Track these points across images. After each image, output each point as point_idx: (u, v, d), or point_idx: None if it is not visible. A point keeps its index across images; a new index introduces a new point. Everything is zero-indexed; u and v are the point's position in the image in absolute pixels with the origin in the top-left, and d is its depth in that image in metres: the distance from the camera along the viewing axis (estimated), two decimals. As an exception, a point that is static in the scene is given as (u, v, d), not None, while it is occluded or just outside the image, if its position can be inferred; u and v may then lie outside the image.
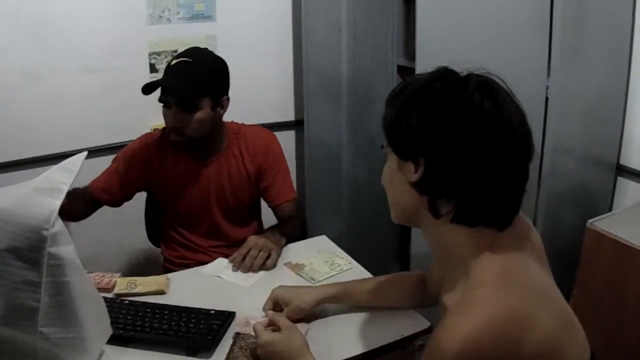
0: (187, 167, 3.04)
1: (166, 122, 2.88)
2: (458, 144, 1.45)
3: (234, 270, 2.69)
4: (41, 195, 1.58)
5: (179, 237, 3.15)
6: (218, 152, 3.05)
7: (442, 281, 1.73)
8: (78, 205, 2.94)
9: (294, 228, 3.02)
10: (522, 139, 1.50)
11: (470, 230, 1.54)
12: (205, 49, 3.03)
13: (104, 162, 3.73)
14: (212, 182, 3.07)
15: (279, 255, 2.78)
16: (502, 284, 1.45)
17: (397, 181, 1.61)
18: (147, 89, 2.76)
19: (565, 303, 1.58)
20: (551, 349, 1.43)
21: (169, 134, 2.90)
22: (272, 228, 2.96)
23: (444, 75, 1.55)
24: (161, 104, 2.83)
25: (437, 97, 1.49)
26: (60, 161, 1.69)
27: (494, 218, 1.54)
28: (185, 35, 3.99)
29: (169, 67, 2.82)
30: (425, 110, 1.49)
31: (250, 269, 2.68)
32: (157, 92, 3.65)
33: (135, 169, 3.01)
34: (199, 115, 2.84)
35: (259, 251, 2.70)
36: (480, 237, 1.54)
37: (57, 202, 1.58)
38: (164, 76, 2.82)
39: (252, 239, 2.76)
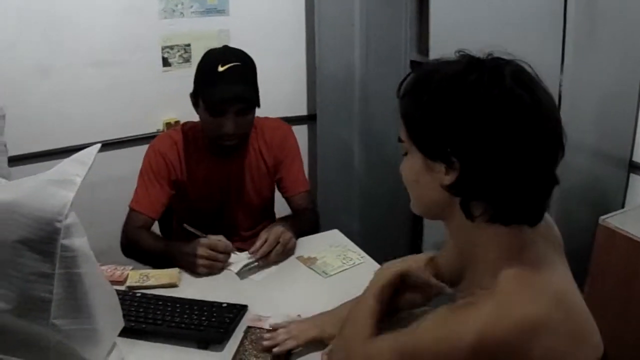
0: (209, 165, 3.01)
1: (216, 130, 2.82)
2: (496, 143, 1.37)
3: (246, 264, 2.67)
4: (54, 187, 1.58)
5: (192, 236, 3.10)
6: (240, 149, 3.00)
7: (459, 276, 1.70)
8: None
9: (308, 221, 3.03)
10: (557, 130, 1.44)
11: (502, 229, 1.48)
12: (231, 47, 2.98)
13: (116, 156, 3.76)
14: (233, 179, 3.05)
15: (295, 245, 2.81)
16: (527, 285, 1.42)
17: (424, 181, 1.52)
18: (219, 106, 2.75)
19: (583, 307, 1.54)
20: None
21: (219, 139, 2.86)
22: (286, 220, 2.95)
23: (473, 64, 1.46)
24: (192, 108, 2.84)
25: (471, 92, 1.39)
26: (72, 154, 1.70)
27: (529, 215, 1.49)
28: (198, 30, 4.00)
29: (221, 75, 2.74)
30: (459, 106, 1.39)
31: (267, 258, 2.67)
32: (169, 87, 3.66)
33: (163, 181, 2.96)
34: (251, 116, 2.86)
35: (278, 242, 2.70)
36: (510, 236, 1.49)
37: (70, 194, 1.58)
38: (220, 84, 2.75)
39: (277, 229, 2.75)
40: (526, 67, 1.48)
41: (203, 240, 2.65)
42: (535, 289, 1.42)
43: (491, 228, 1.49)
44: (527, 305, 1.38)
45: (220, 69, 2.73)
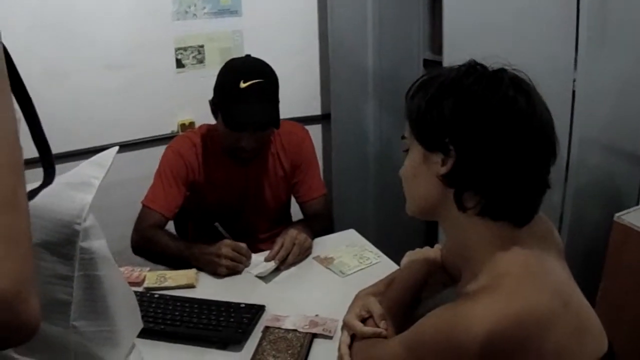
0: (227, 169, 3.01)
1: (233, 143, 2.85)
2: (491, 137, 1.45)
3: (265, 267, 2.67)
4: (73, 190, 1.59)
5: (209, 237, 3.09)
6: (258, 154, 3.02)
7: (458, 273, 1.74)
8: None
9: (321, 225, 3.03)
10: (550, 137, 1.51)
11: (493, 224, 1.53)
12: (252, 58, 2.94)
13: (131, 157, 3.77)
14: (251, 183, 3.06)
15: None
16: (529, 279, 1.46)
17: (421, 173, 1.59)
18: (243, 126, 2.77)
19: (583, 302, 1.58)
20: (565, 353, 1.45)
21: (236, 152, 2.90)
22: (299, 223, 2.97)
23: (475, 69, 1.54)
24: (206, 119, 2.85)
25: (471, 90, 1.48)
26: (89, 156, 1.70)
27: (518, 213, 1.54)
28: (211, 31, 4.01)
29: (243, 92, 2.73)
30: (459, 101, 1.48)
31: (283, 262, 2.68)
32: (183, 88, 3.65)
33: (180, 181, 2.96)
34: (270, 131, 2.88)
35: (294, 245, 2.71)
36: (502, 233, 1.54)
37: (89, 197, 1.59)
38: (243, 103, 2.74)
39: (291, 232, 2.76)
40: (525, 78, 1.54)
41: (227, 242, 2.67)
42: (536, 284, 1.46)
43: (483, 224, 1.55)
44: (531, 299, 1.41)
45: (242, 85, 2.72)
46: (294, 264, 2.71)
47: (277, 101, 2.83)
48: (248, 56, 2.98)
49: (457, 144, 1.48)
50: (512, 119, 1.45)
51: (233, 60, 2.93)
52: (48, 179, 1.31)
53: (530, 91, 1.50)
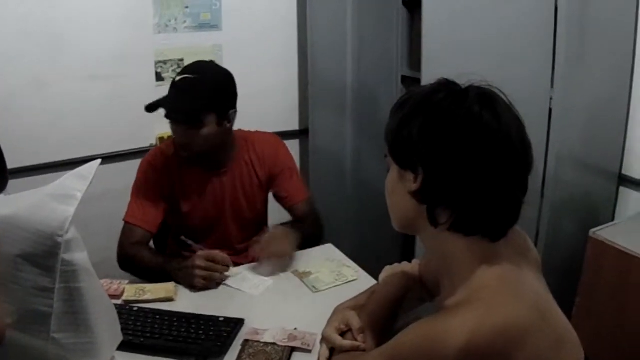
0: (201, 179, 3.02)
1: (175, 138, 2.90)
2: (456, 154, 1.46)
3: (241, 279, 2.69)
4: (55, 202, 1.59)
5: (187, 251, 3.04)
6: (230, 162, 3.03)
7: (438, 287, 1.76)
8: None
9: (309, 229, 3.03)
10: (520, 150, 1.50)
11: (468, 239, 1.55)
12: (211, 63, 3.00)
13: (110, 170, 3.76)
14: (226, 192, 3.06)
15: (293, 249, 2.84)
16: (507, 291, 1.47)
17: (398, 191, 1.61)
18: (151, 108, 2.76)
19: (559, 314, 1.59)
20: None
21: (178, 149, 2.91)
22: (290, 225, 3.00)
23: (444, 86, 1.56)
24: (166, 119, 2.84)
25: (437, 108, 1.50)
26: (68, 168, 1.71)
27: (490, 228, 1.54)
28: (191, 45, 4.02)
29: (173, 84, 2.79)
30: (425, 121, 1.50)
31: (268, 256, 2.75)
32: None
33: (157, 194, 2.97)
34: (205, 131, 2.81)
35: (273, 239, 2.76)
36: (479, 247, 1.55)
37: (71, 209, 1.59)
38: (168, 93, 2.79)
39: (276, 231, 2.82)
40: (498, 93, 1.56)
41: (201, 252, 2.67)
42: (514, 296, 1.47)
43: (459, 239, 1.56)
44: (510, 311, 1.42)
45: (176, 79, 2.79)
46: (274, 276, 2.74)
47: (207, 100, 2.79)
48: (204, 61, 3.01)
49: (424, 163, 1.51)
50: (476, 135, 1.46)
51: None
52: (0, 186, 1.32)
53: (497, 106, 1.50)
